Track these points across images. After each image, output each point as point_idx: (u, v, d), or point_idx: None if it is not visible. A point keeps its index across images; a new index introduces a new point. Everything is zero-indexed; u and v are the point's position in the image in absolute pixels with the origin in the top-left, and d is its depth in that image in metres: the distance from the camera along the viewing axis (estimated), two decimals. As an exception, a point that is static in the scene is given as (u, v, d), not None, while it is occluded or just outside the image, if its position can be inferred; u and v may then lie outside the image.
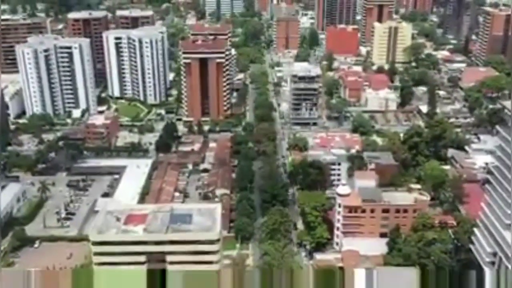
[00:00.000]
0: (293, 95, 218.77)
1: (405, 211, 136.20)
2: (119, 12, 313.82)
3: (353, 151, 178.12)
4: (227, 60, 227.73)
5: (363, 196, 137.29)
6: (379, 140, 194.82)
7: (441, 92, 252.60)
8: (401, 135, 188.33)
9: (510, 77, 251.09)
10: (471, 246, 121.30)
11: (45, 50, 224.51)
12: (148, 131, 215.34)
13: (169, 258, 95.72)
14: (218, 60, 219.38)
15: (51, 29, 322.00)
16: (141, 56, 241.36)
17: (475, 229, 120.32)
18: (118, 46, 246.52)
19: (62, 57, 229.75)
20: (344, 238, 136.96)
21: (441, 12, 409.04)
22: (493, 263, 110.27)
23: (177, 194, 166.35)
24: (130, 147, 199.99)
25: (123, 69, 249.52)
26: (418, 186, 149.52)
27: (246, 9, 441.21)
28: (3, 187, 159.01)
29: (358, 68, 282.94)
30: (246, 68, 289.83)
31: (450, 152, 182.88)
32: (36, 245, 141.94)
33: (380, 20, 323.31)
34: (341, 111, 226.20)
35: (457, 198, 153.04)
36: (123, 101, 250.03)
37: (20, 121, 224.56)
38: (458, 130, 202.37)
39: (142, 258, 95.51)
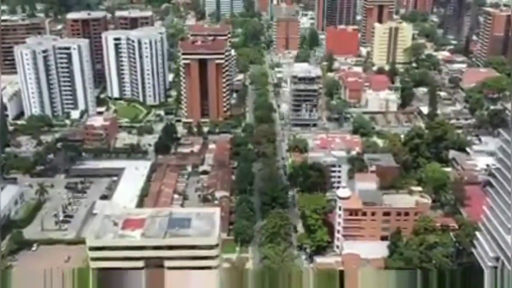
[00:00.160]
0: (293, 96, 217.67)
1: (406, 214, 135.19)
2: (118, 13, 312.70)
3: (353, 152, 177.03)
4: (226, 60, 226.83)
5: (364, 198, 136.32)
6: (379, 142, 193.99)
7: (442, 93, 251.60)
8: (402, 136, 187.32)
9: (511, 78, 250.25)
10: (473, 249, 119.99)
11: (44, 51, 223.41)
12: (147, 132, 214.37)
13: (167, 263, 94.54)
14: (218, 61, 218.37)
15: (50, 30, 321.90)
16: (140, 57, 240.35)
17: (477, 233, 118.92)
18: (117, 47, 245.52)
19: (61, 58, 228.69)
20: (345, 241, 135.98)
21: (442, 12, 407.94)
22: (495, 267, 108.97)
23: (176, 196, 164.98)
24: (129, 148, 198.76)
25: (122, 70, 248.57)
26: (419, 189, 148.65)
27: (246, 10, 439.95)
28: (1, 189, 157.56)
29: (359, 69, 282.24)
30: (246, 69, 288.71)
31: (451, 153, 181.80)
32: (34, 248, 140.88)
33: (380, 20, 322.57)
34: (341, 112, 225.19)
35: (459, 200, 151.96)
36: (122, 102, 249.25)
37: (19, 122, 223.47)
38: (459, 131, 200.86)
39: (140, 264, 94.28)
